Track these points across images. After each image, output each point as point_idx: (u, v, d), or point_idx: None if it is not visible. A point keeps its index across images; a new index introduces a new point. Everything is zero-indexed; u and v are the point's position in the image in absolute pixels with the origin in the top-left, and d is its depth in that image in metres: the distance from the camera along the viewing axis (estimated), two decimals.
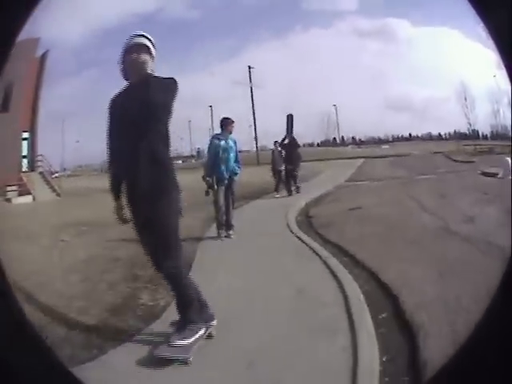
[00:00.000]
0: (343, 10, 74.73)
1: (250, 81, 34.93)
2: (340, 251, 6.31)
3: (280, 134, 16.62)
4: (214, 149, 7.73)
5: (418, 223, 7.80)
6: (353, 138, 61.95)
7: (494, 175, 14.70)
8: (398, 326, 3.62)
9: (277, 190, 14.76)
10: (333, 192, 14.83)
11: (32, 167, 21.70)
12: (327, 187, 15.93)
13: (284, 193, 14.80)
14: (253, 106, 35.32)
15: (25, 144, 21.45)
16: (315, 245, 6.72)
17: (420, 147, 40.15)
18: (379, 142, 58.69)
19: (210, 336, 3.44)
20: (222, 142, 7.74)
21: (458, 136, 40.01)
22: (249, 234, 8.09)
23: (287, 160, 14.96)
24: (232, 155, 7.83)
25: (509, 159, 14.40)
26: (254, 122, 34.71)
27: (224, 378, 2.90)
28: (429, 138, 55.19)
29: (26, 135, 21.41)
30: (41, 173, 21.52)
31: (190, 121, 48.99)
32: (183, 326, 3.31)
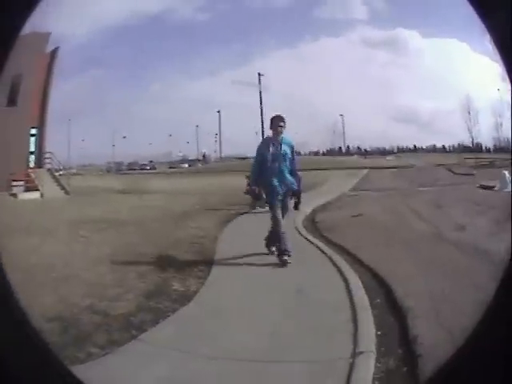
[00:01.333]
0: (354, 19, 74.26)
1: (260, 88, 35.21)
2: (343, 250, 7.06)
3: None
4: (260, 156, 6.50)
5: (413, 229, 8.58)
6: (358, 147, 62.24)
7: (491, 188, 15.05)
8: (390, 308, 4.38)
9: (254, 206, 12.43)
10: (337, 200, 15.41)
11: (40, 164, 21.60)
12: (332, 196, 16.35)
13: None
14: (261, 113, 35.51)
15: (32, 140, 21.41)
16: (321, 244, 7.45)
17: (424, 159, 40.61)
18: (384, 152, 58.93)
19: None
20: (272, 148, 6.40)
21: (462, 149, 40.19)
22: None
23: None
24: (285, 165, 6.46)
25: (506, 172, 14.77)
26: (262, 130, 35.06)
27: None
28: (433, 150, 55.46)
29: (33, 131, 21.37)
30: (49, 170, 21.54)
31: (197, 125, 49.48)
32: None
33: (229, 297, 4.93)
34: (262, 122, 34.92)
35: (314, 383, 3.07)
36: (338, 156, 54.55)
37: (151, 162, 50.96)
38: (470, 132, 39.45)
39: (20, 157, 19.12)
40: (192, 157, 51.56)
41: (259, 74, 35.09)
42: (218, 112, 47.54)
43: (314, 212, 12.32)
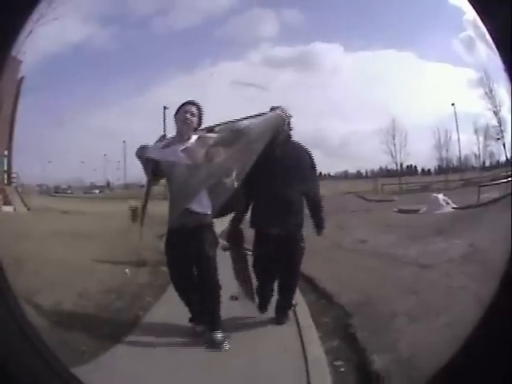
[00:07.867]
0: (260, 37, 64.70)
1: (164, 121, 35.26)
2: None
3: None
4: None
5: (314, 242, 10.25)
6: None
7: (414, 212, 14.19)
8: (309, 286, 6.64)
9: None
10: None
11: (9, 182, 22.86)
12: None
13: None
14: None
15: (4, 160, 22.68)
16: None
17: (329, 186, 35.73)
18: None
19: None
20: None
21: (385, 173, 33.35)
22: None
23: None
24: None
25: (439, 195, 14.34)
26: None
27: None
28: (344, 176, 50.18)
29: (5, 152, 22.32)
30: (15, 187, 22.86)
31: (105, 154, 49.96)
32: None
33: None
34: None
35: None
36: None
37: (69, 186, 51.71)
38: (394, 156, 32.34)
39: None
40: (99, 183, 52.42)
41: (164, 108, 35.04)
42: (124, 142, 48.15)
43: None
